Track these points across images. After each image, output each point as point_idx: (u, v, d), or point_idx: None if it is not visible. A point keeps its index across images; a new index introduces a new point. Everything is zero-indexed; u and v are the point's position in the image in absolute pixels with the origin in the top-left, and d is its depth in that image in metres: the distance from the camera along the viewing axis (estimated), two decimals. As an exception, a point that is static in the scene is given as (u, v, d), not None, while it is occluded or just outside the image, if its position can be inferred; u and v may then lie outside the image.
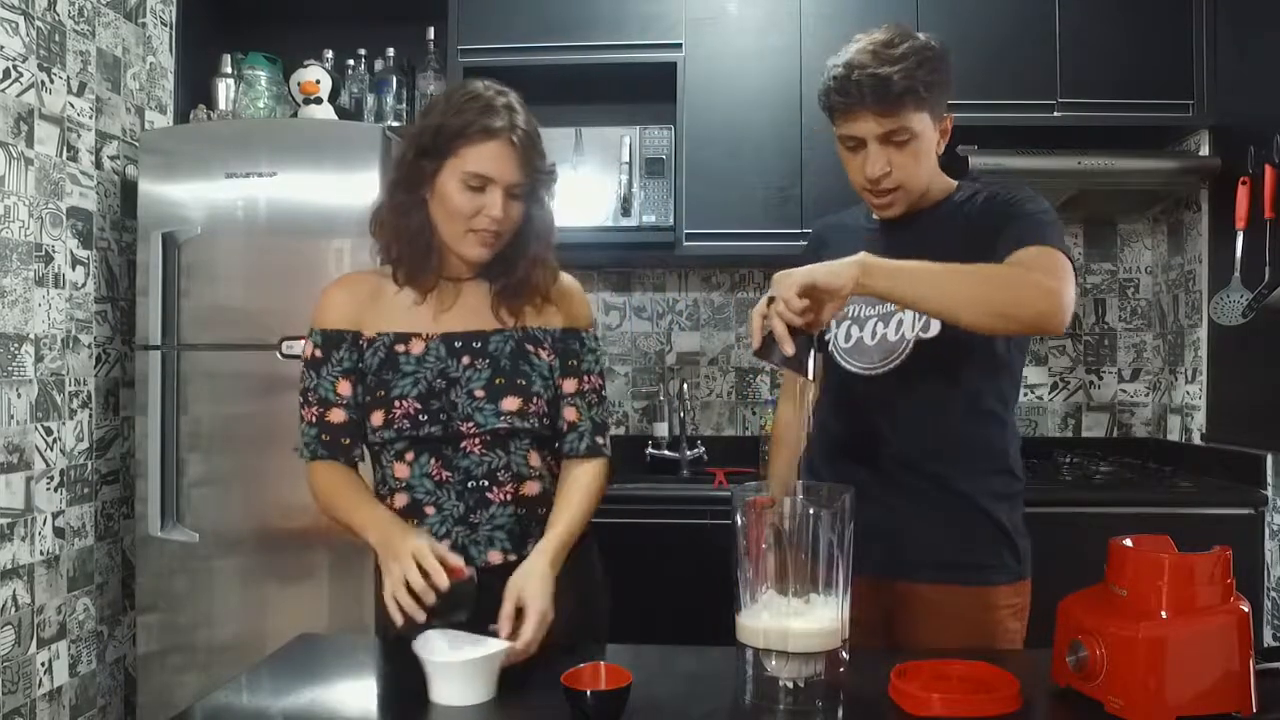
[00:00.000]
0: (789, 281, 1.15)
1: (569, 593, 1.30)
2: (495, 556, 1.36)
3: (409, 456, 1.36)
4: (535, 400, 1.37)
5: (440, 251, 1.37)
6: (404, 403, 1.34)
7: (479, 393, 1.35)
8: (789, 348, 1.14)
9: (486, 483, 1.36)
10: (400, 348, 1.37)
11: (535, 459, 1.40)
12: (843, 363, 1.48)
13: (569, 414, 1.41)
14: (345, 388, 1.37)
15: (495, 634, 1.17)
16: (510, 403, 1.35)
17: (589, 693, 1.02)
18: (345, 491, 1.36)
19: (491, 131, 1.28)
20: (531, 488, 1.39)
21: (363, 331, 1.39)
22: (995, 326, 1.23)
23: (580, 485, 1.39)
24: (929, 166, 1.41)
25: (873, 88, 1.32)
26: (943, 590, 1.40)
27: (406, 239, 1.36)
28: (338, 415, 1.37)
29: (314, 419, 1.37)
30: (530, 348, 1.39)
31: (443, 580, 1.16)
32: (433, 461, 1.36)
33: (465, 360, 1.36)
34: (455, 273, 1.40)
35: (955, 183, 1.49)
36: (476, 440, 1.35)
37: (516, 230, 1.36)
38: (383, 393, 1.35)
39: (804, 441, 1.48)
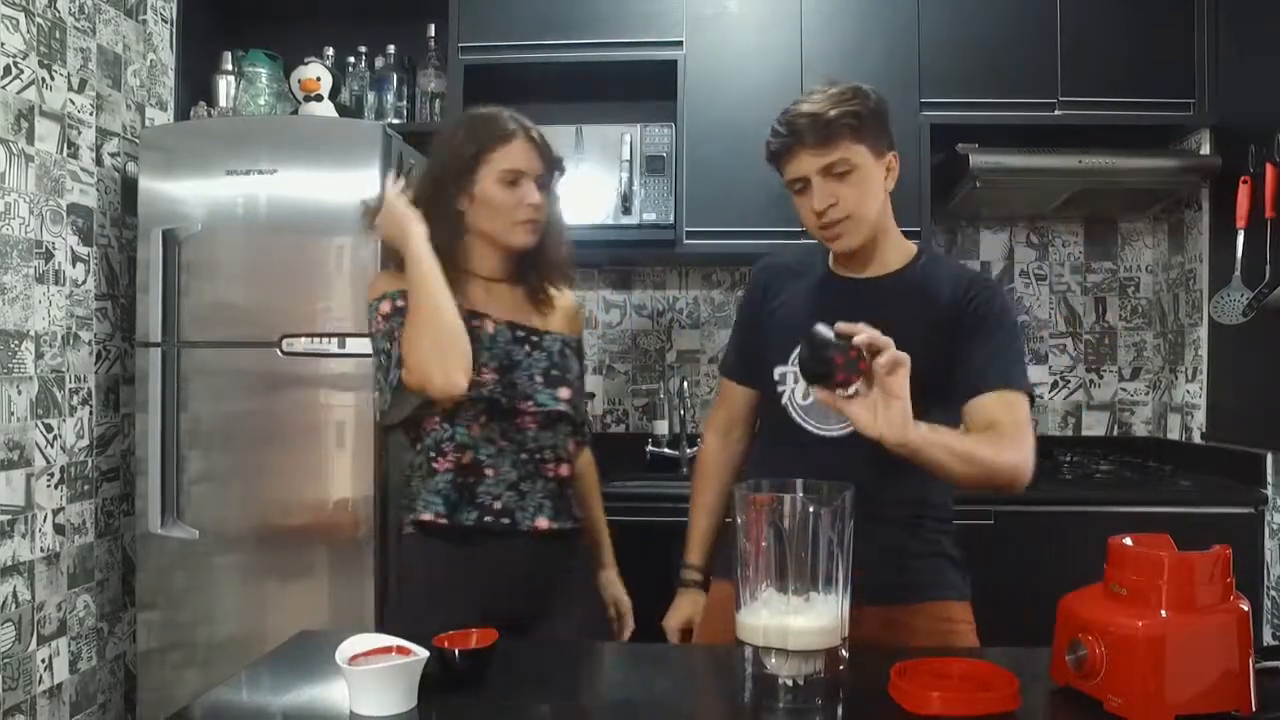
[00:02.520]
0: (884, 346, 1.13)
1: (564, 594, 1.38)
2: (542, 523, 1.49)
3: (482, 420, 1.47)
4: (576, 395, 1.57)
5: (469, 251, 1.52)
6: (486, 370, 1.46)
7: (539, 378, 1.51)
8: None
9: (540, 456, 1.51)
10: (475, 323, 1.48)
11: (570, 443, 1.58)
12: (800, 421, 1.49)
13: None
14: None
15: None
16: (564, 392, 1.53)
17: (457, 651, 1.11)
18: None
19: (511, 133, 1.49)
20: (566, 468, 1.55)
21: None
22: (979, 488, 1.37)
23: (591, 484, 1.71)
24: (876, 201, 1.44)
25: (808, 124, 1.40)
26: (906, 610, 1.43)
27: (445, 237, 1.47)
28: None
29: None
30: (569, 352, 1.58)
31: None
32: (498, 428, 1.48)
33: (526, 349, 1.52)
34: (489, 273, 1.54)
35: (915, 248, 1.52)
36: (531, 419, 1.49)
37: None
38: None
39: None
